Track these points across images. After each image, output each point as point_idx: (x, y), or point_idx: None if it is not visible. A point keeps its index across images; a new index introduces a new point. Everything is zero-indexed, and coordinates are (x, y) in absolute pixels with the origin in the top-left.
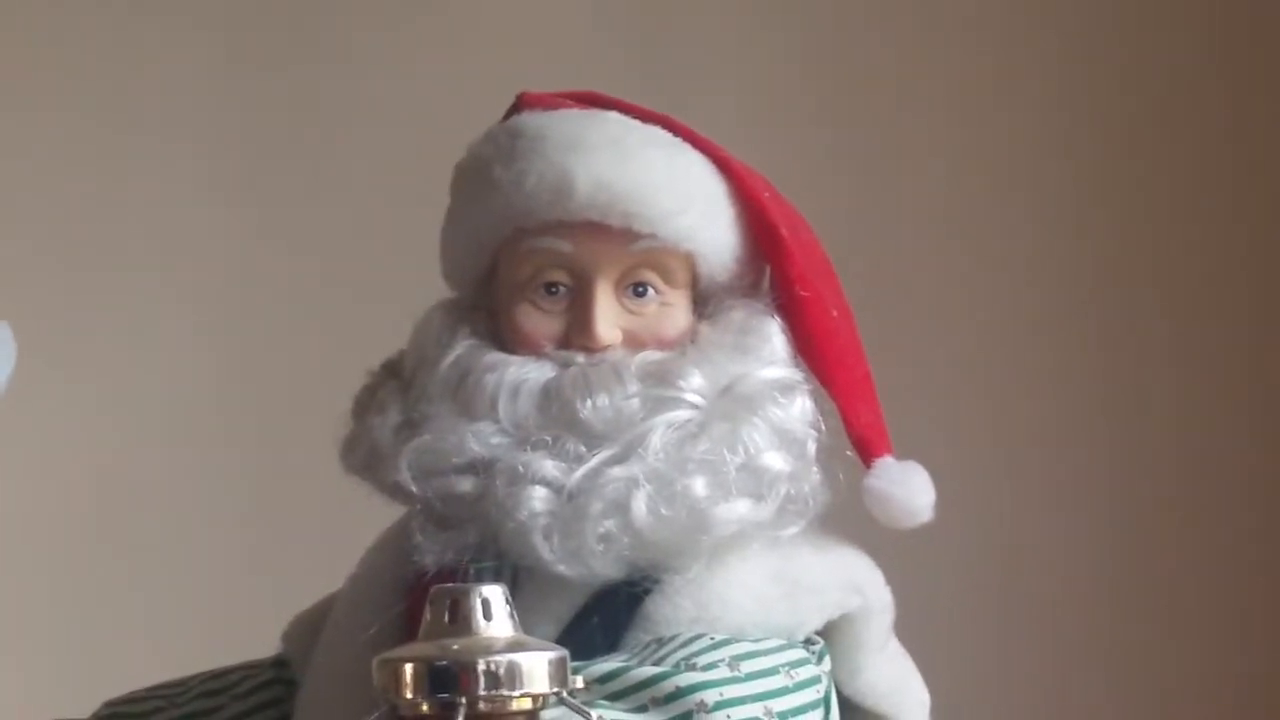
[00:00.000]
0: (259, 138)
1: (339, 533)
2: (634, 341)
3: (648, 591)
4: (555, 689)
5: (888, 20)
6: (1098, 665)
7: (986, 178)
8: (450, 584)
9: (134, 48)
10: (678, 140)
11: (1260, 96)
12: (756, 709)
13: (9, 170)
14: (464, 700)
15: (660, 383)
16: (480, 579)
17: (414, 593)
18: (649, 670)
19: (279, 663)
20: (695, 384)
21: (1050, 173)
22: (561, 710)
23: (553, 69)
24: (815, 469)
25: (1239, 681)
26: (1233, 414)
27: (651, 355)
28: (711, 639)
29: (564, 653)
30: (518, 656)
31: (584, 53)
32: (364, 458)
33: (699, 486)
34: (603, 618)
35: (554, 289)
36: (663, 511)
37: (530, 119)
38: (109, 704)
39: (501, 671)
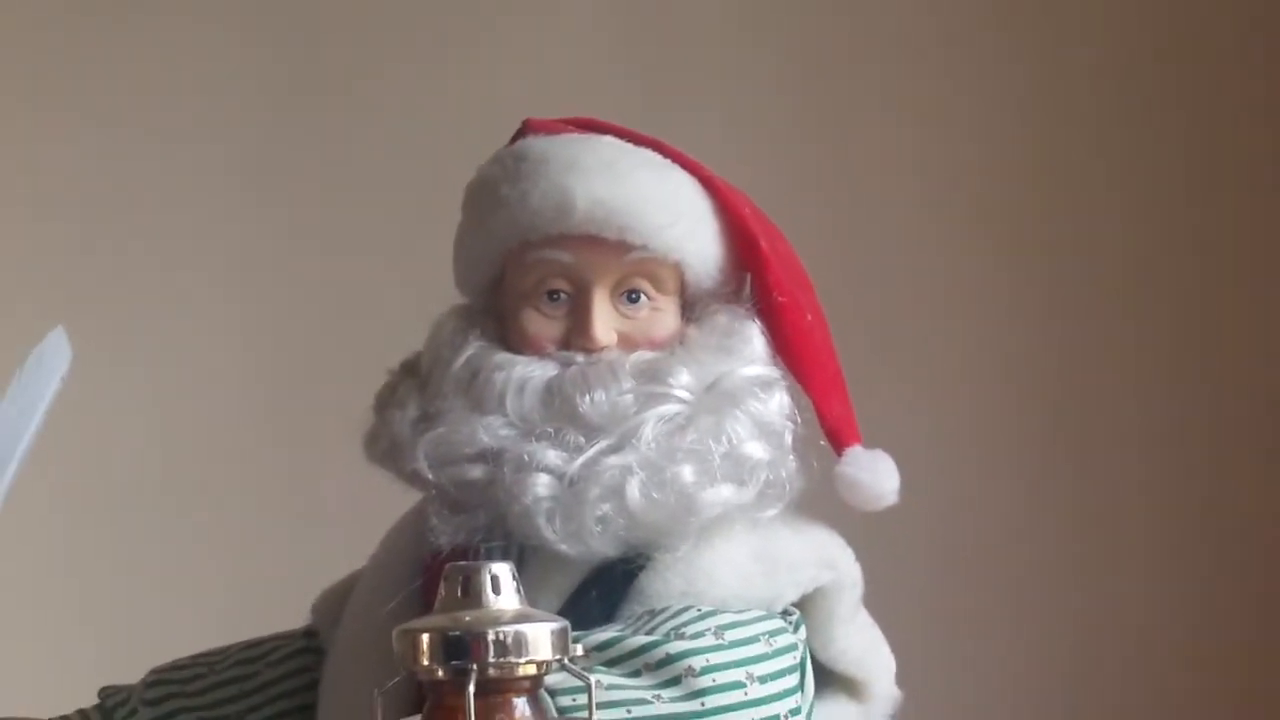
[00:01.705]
0: (298, 153)
1: (363, 515)
2: (628, 343)
3: (641, 568)
4: (557, 656)
5: (856, 52)
6: (1060, 636)
7: (953, 190)
8: (463, 562)
9: (183, 63)
10: (667, 161)
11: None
12: (739, 673)
13: (81, 178)
14: (475, 667)
15: (652, 380)
16: (490, 557)
17: (430, 570)
18: (642, 639)
19: (308, 633)
20: (683, 381)
21: (1016, 180)
22: (563, 676)
23: (554, 97)
24: (792, 457)
25: (1202, 654)
26: (1192, 406)
27: (644, 355)
28: (698, 610)
29: (565, 623)
30: (524, 627)
31: (583, 82)
32: (385, 448)
33: (687, 473)
34: (600, 592)
35: (555, 296)
36: (654, 496)
37: (534, 143)
38: (154, 671)
39: (509, 641)
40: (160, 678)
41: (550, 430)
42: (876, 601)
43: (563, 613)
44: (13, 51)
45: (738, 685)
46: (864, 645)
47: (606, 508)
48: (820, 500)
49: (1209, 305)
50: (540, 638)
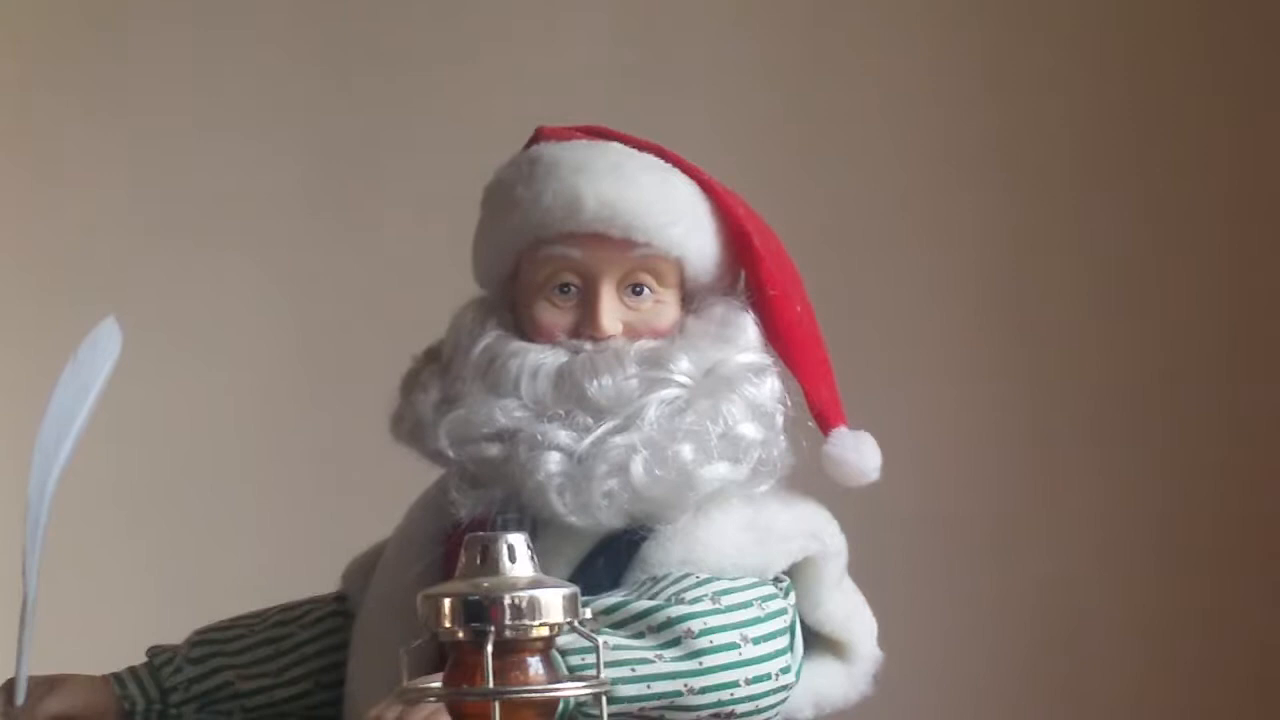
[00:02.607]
0: (337, 157)
1: (389, 489)
2: (632, 332)
3: (644, 538)
4: (568, 619)
5: (841, 59)
6: (1026, 598)
7: (933, 188)
8: (481, 533)
9: (238, 71)
10: (669, 165)
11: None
12: (734, 635)
13: (135, 178)
14: (493, 629)
15: (654, 366)
16: (506, 528)
17: (451, 540)
18: (645, 603)
19: (339, 598)
20: (683, 367)
21: (994, 175)
22: (573, 637)
23: (565, 107)
24: (782, 437)
25: (1170, 618)
26: (1151, 399)
27: (647, 343)
28: (697, 578)
29: (575, 589)
30: (537, 592)
31: (591, 94)
32: (410, 428)
33: (687, 452)
34: (607, 560)
35: (566, 288)
36: (656, 472)
37: (546, 148)
38: (198, 631)
39: (524, 605)
40: (203, 638)
41: (561, 412)
42: (860, 569)
43: (573, 579)
44: (73, 55)
45: (732, 646)
46: (848, 609)
47: (613, 483)
48: (808, 476)
49: (1175, 304)
50: (552, 602)
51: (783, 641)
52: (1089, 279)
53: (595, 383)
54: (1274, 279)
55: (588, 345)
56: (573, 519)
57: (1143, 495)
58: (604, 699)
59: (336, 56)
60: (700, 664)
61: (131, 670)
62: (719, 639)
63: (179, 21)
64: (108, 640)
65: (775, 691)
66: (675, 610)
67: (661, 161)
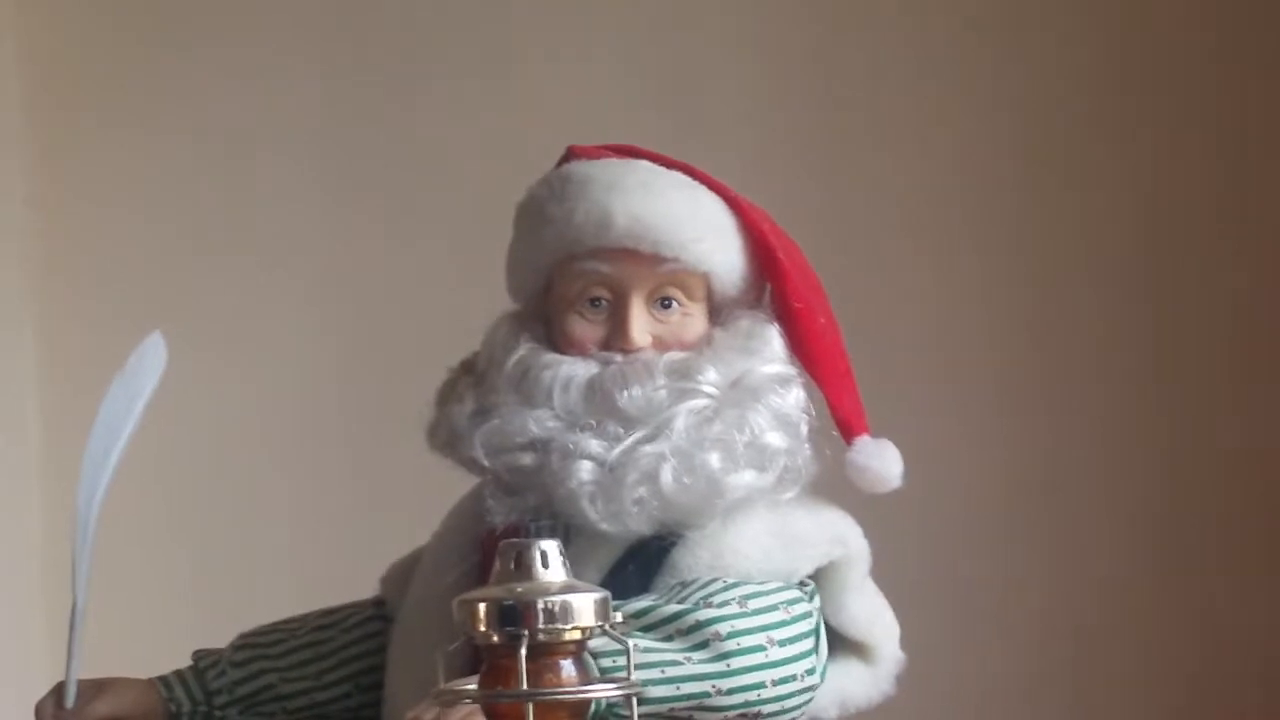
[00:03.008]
0: (375, 178)
1: (426, 497)
2: (661, 344)
3: (673, 544)
4: (599, 623)
5: (852, 86)
6: (1038, 602)
7: (944, 218)
8: (515, 539)
9: (277, 93)
10: (696, 183)
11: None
12: (760, 638)
13: (186, 197)
14: (526, 632)
15: (683, 377)
16: (539, 535)
17: (486, 546)
18: (674, 607)
19: (378, 602)
20: (711, 378)
21: (999, 205)
22: (604, 640)
23: (595, 127)
24: (807, 445)
25: (1171, 621)
26: (1156, 405)
27: (675, 355)
28: (724, 582)
29: (606, 594)
30: (569, 597)
31: (621, 114)
32: (445, 438)
33: (714, 460)
34: (637, 565)
35: (597, 302)
36: (685, 480)
37: (577, 167)
38: (242, 636)
39: (556, 609)
40: (246, 642)
41: (592, 422)
42: (883, 574)
43: (604, 584)
44: (121, 81)
45: (759, 649)
46: (871, 613)
47: (643, 491)
48: (833, 484)
49: (1175, 309)
50: (584, 606)
51: (808, 644)
52: (1092, 288)
53: (625, 393)
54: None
55: (618, 357)
56: (604, 526)
57: (1145, 501)
58: (635, 700)
59: (374, 79)
60: (728, 666)
61: (177, 673)
62: (746, 641)
63: (221, 47)
64: (154, 645)
65: (801, 692)
66: (703, 614)
67: (689, 179)
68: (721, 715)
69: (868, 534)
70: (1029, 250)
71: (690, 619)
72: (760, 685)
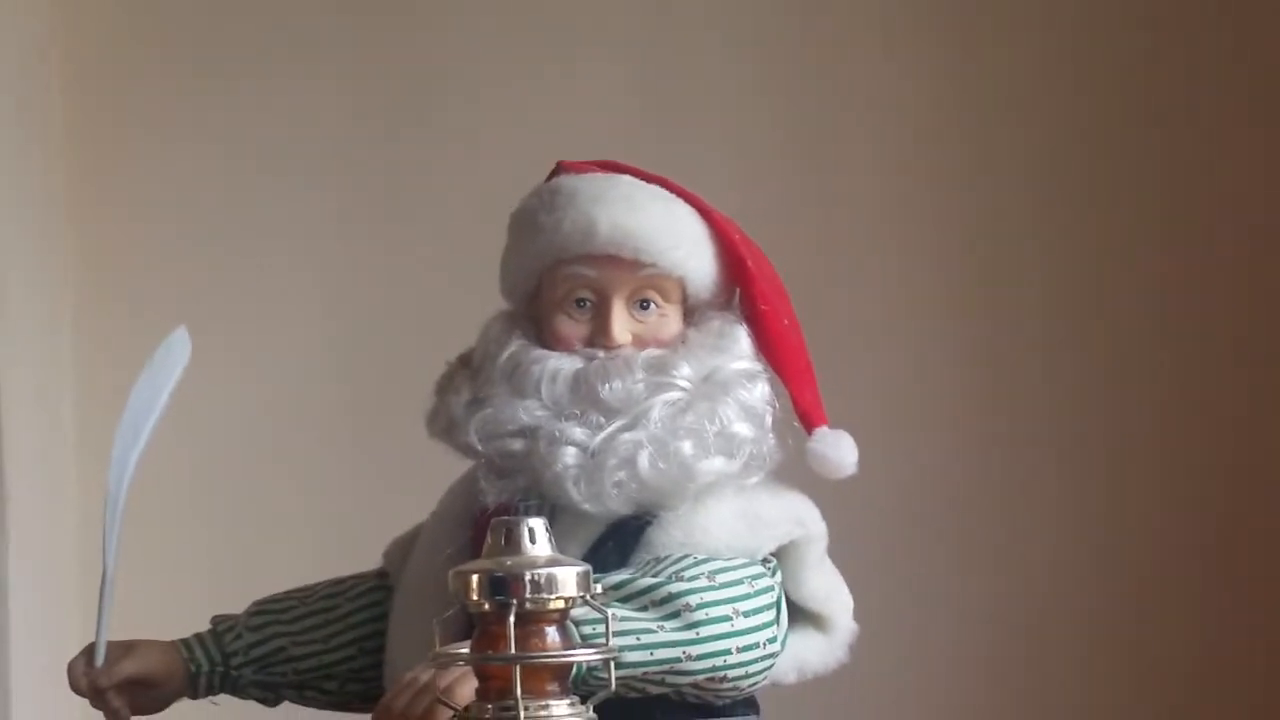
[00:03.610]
0: (384, 188)
1: (425, 479)
2: (640, 342)
3: (648, 524)
4: (581, 594)
5: (827, 98)
6: (984, 576)
7: (905, 223)
8: (505, 517)
9: (295, 106)
10: (673, 196)
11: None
12: (727, 609)
13: (204, 203)
14: (515, 601)
15: (659, 372)
16: (527, 514)
17: (479, 523)
18: (649, 580)
19: (381, 574)
20: (684, 373)
21: (961, 207)
22: (586, 609)
23: (581, 144)
24: (771, 435)
25: (1120, 605)
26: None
27: (653, 352)
28: (695, 558)
29: (588, 567)
30: (554, 570)
31: (605, 133)
32: (444, 425)
33: (687, 448)
34: (616, 542)
35: (582, 303)
36: (660, 466)
37: (566, 180)
38: (256, 603)
39: (542, 581)
40: (261, 608)
41: (577, 412)
42: (839, 552)
43: (585, 559)
44: (158, 101)
45: (725, 619)
46: (828, 587)
47: (622, 474)
48: (794, 470)
49: (1120, 309)
50: (567, 579)
51: (770, 615)
52: (1049, 285)
53: (607, 386)
54: (1231, 276)
55: (600, 353)
56: (586, 506)
57: (1101, 491)
58: (612, 664)
59: (382, 105)
60: (697, 634)
61: (197, 636)
62: (714, 612)
63: (243, 74)
64: (176, 610)
65: (763, 659)
66: (675, 587)
67: (667, 192)
68: (691, 679)
69: (825, 516)
70: (981, 257)
71: (663, 591)
72: (726, 652)
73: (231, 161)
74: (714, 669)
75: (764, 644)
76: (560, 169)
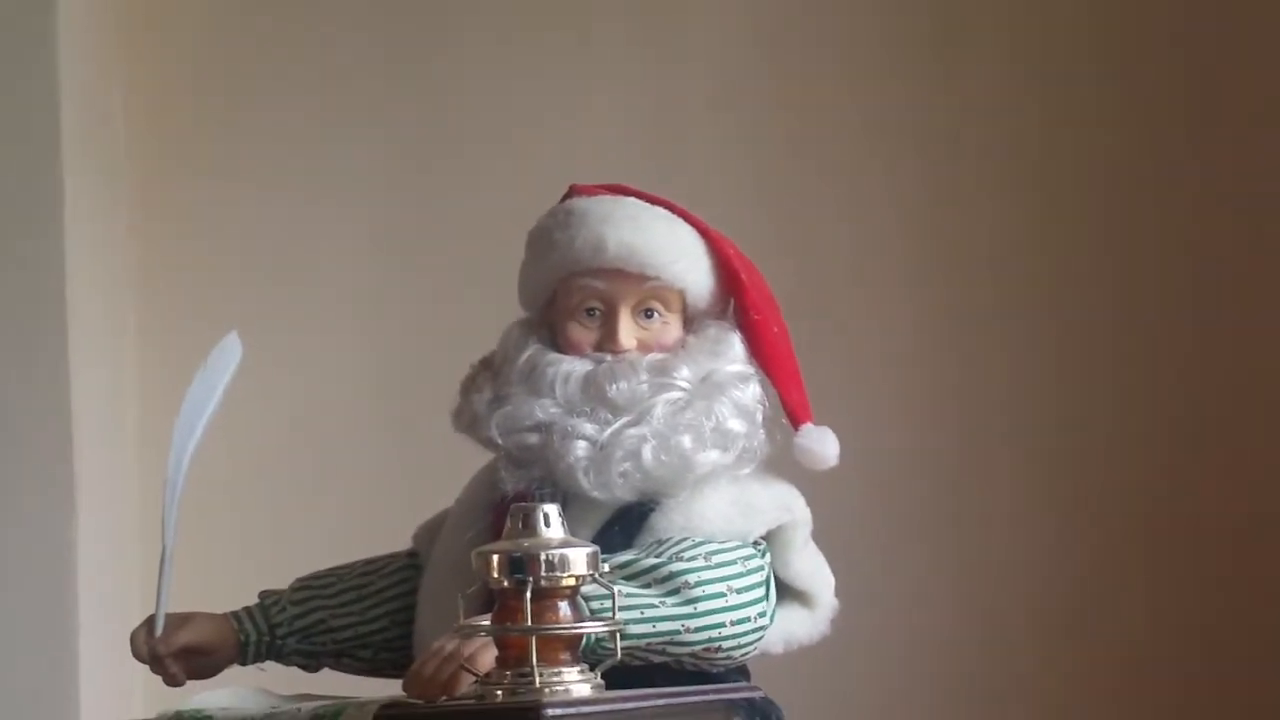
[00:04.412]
0: (417, 208)
1: (450, 469)
2: (644, 347)
3: (651, 510)
4: (591, 572)
5: (811, 131)
6: (949, 560)
7: (883, 244)
8: (523, 503)
9: (329, 146)
10: (675, 216)
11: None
12: (722, 586)
13: (253, 220)
14: (531, 579)
15: (661, 374)
16: (542, 500)
17: (499, 509)
18: (651, 560)
19: (411, 554)
20: (684, 375)
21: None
22: (595, 586)
23: (591, 170)
24: (762, 431)
25: (1071, 586)
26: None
27: (656, 356)
28: (693, 541)
29: (597, 549)
30: (566, 550)
31: (613, 160)
32: (468, 421)
33: (686, 441)
34: (622, 526)
35: (592, 312)
36: (662, 458)
37: (578, 202)
38: (299, 580)
39: (556, 560)
40: (303, 584)
41: (587, 409)
42: (822, 535)
43: (594, 542)
44: (208, 134)
45: (720, 595)
46: (812, 567)
47: (627, 465)
48: (782, 462)
49: (1075, 308)
50: (578, 558)
51: (760, 592)
52: (996, 290)
53: (614, 386)
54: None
55: (608, 357)
56: (595, 493)
57: (1052, 477)
58: (618, 636)
59: (411, 136)
60: (695, 609)
61: (246, 610)
62: (710, 589)
63: (290, 108)
64: (228, 585)
65: (754, 631)
66: (675, 566)
67: (669, 213)
68: (689, 649)
69: (810, 503)
70: (951, 276)
71: (665, 570)
72: (721, 625)
73: (277, 188)
74: (710, 640)
75: (755, 618)
76: (573, 191)
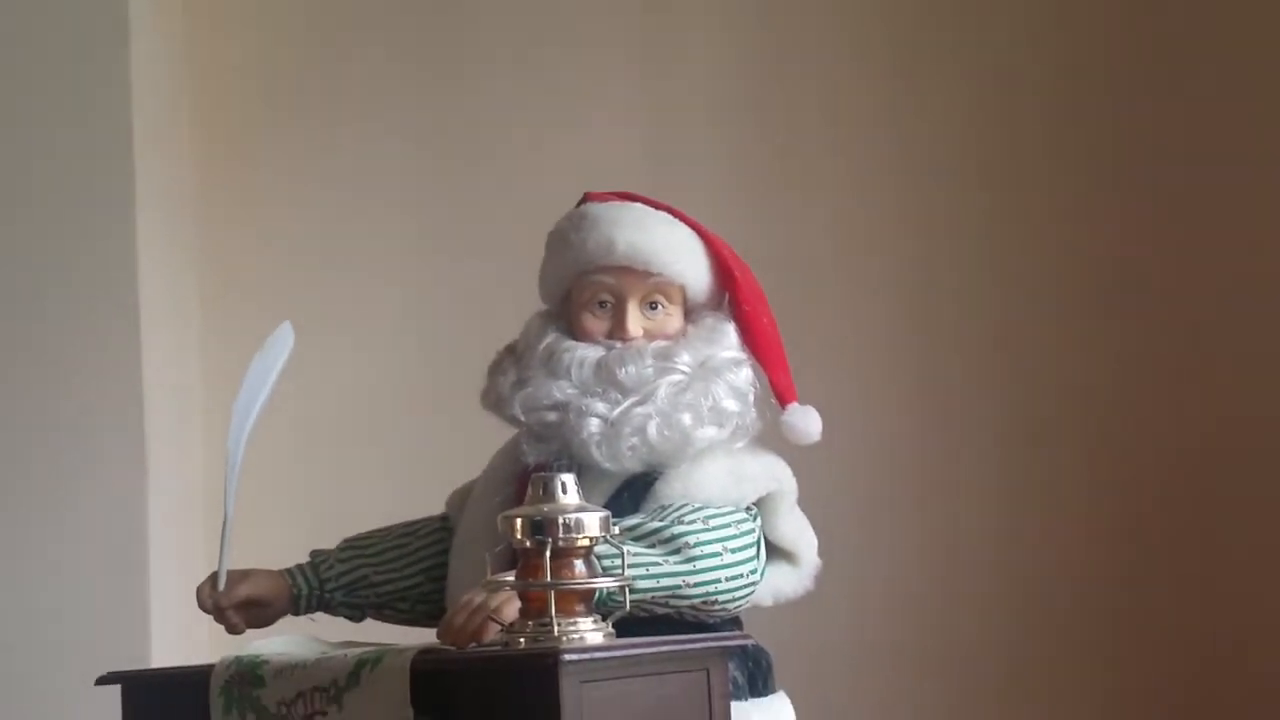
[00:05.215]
0: (452, 216)
1: (478, 442)
2: (649, 335)
3: (656, 479)
4: (602, 534)
5: (805, 142)
6: (925, 523)
7: (868, 243)
8: (543, 473)
9: (376, 158)
10: (676, 220)
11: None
12: (718, 546)
13: (310, 220)
14: (550, 539)
15: (665, 359)
16: (560, 471)
17: (521, 478)
18: (656, 523)
19: (444, 517)
20: (685, 360)
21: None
22: (606, 547)
23: (603, 179)
24: (753, 409)
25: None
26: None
27: (660, 343)
28: (692, 506)
29: (608, 513)
30: (581, 514)
31: (621, 170)
32: (494, 401)
33: (687, 419)
34: (630, 494)
35: (603, 304)
36: (665, 433)
37: (591, 207)
38: (345, 540)
39: (572, 523)
40: (350, 543)
41: (599, 390)
42: (807, 501)
43: (606, 507)
44: (273, 145)
45: (717, 554)
46: (798, 530)
47: (635, 440)
48: (771, 437)
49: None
50: (592, 521)
51: (752, 552)
52: (980, 282)
53: (623, 370)
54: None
55: (618, 344)
56: (607, 465)
57: (1019, 460)
58: (627, 590)
59: (447, 150)
60: (694, 566)
61: (299, 566)
62: (708, 549)
63: (339, 119)
64: (282, 545)
65: (746, 586)
66: (677, 529)
67: (671, 217)
68: (689, 602)
69: (796, 474)
70: (923, 278)
71: (668, 532)
72: (717, 580)
73: (330, 191)
74: (707, 594)
75: (747, 575)
76: (586, 198)
